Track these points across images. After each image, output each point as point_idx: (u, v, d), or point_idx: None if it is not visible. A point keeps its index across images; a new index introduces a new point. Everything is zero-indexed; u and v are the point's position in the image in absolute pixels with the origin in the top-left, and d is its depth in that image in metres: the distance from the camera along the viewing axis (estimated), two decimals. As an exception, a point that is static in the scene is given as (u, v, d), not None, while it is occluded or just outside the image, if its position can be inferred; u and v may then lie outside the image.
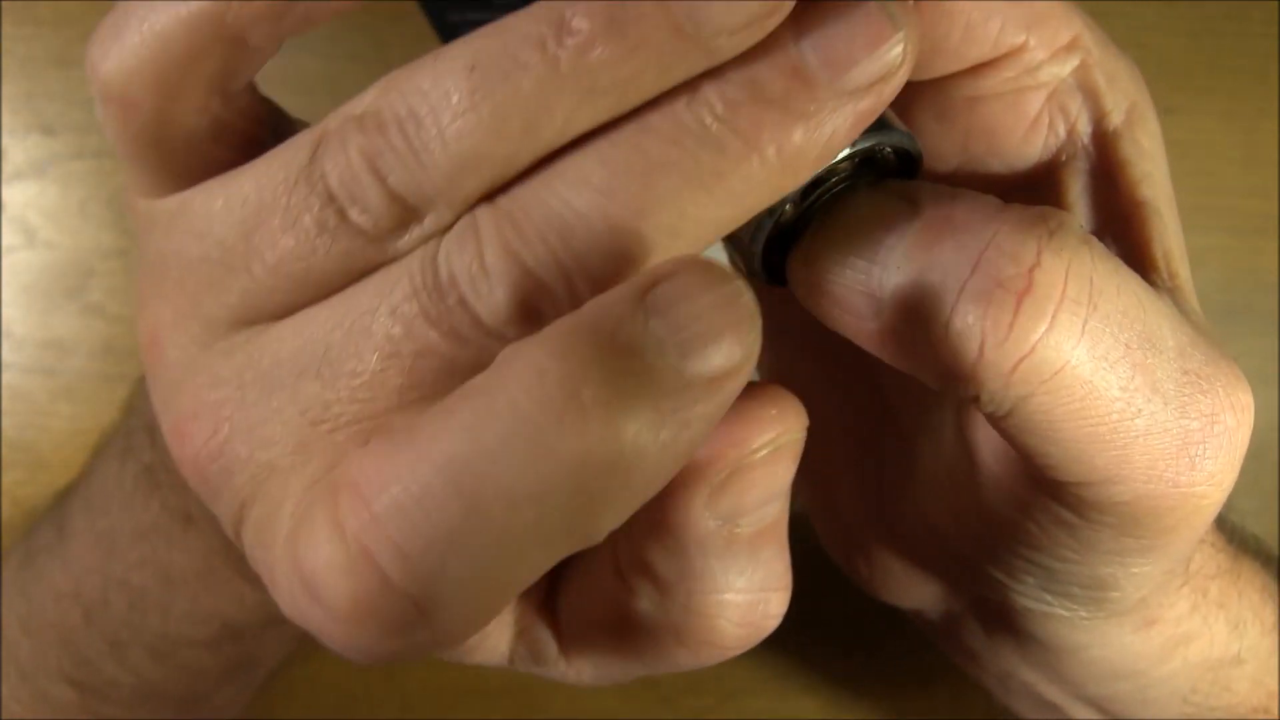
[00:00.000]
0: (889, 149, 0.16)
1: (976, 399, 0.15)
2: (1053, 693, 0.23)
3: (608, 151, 0.14)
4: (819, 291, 0.16)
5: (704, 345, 0.13)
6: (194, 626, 0.27)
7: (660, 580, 0.17)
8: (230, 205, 0.15)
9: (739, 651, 0.18)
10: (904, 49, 0.13)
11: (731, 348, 0.13)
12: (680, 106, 0.14)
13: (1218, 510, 0.17)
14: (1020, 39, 0.18)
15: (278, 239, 0.15)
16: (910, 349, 0.15)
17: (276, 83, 0.42)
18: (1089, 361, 0.14)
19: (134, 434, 0.27)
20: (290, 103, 0.42)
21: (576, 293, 0.14)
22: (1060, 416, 0.15)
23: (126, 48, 0.16)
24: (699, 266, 0.13)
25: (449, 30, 0.38)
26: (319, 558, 0.14)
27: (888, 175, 0.16)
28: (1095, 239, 0.15)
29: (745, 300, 0.13)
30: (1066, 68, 0.18)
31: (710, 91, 0.14)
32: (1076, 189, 0.19)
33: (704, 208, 0.14)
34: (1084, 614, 0.20)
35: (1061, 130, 0.19)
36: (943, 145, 0.19)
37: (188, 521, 0.26)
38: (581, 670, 0.19)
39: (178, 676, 0.28)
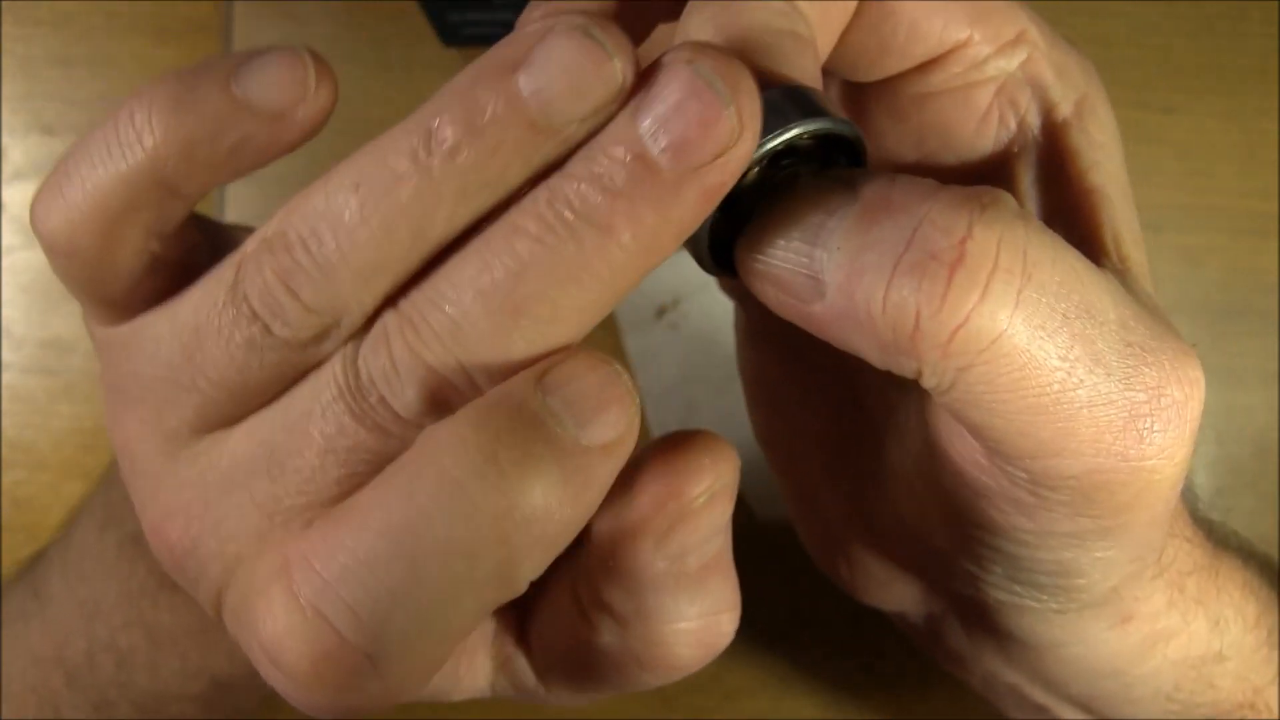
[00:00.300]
0: (831, 134, 0.16)
1: (920, 374, 0.16)
2: (1037, 693, 0.23)
3: (484, 255, 0.15)
4: (763, 277, 0.16)
5: (595, 416, 0.15)
6: (184, 682, 0.27)
7: (619, 616, 0.18)
8: (173, 331, 0.17)
9: (698, 668, 0.19)
10: (736, 124, 0.14)
11: (618, 417, 0.15)
12: (542, 205, 0.15)
13: (1174, 488, 0.17)
14: (964, 35, 0.18)
15: (216, 357, 0.17)
16: (852, 328, 0.16)
17: (276, 83, 0.42)
18: (1025, 330, 0.15)
19: (115, 505, 0.28)
20: (290, 103, 0.42)
21: (475, 384, 0.16)
22: (1001, 387, 0.15)
23: (69, 204, 0.17)
24: (583, 355, 0.15)
25: (449, 30, 0.38)
26: (278, 626, 0.16)
27: (834, 164, 0.17)
28: (1032, 215, 0.16)
29: (624, 379, 0.15)
30: (1014, 62, 0.19)
31: (567, 188, 0.15)
32: (1028, 178, 0.19)
33: (576, 296, 0.15)
34: (1055, 605, 0.20)
35: (1012, 123, 0.19)
36: (899, 143, 0.20)
37: (174, 585, 0.26)
38: (560, 695, 0.21)
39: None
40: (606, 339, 0.40)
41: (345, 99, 0.44)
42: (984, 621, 0.22)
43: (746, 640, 0.40)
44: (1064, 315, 0.15)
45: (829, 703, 0.40)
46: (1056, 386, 0.15)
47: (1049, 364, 0.15)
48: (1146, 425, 0.16)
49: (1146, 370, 0.16)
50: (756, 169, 0.16)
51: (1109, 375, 0.15)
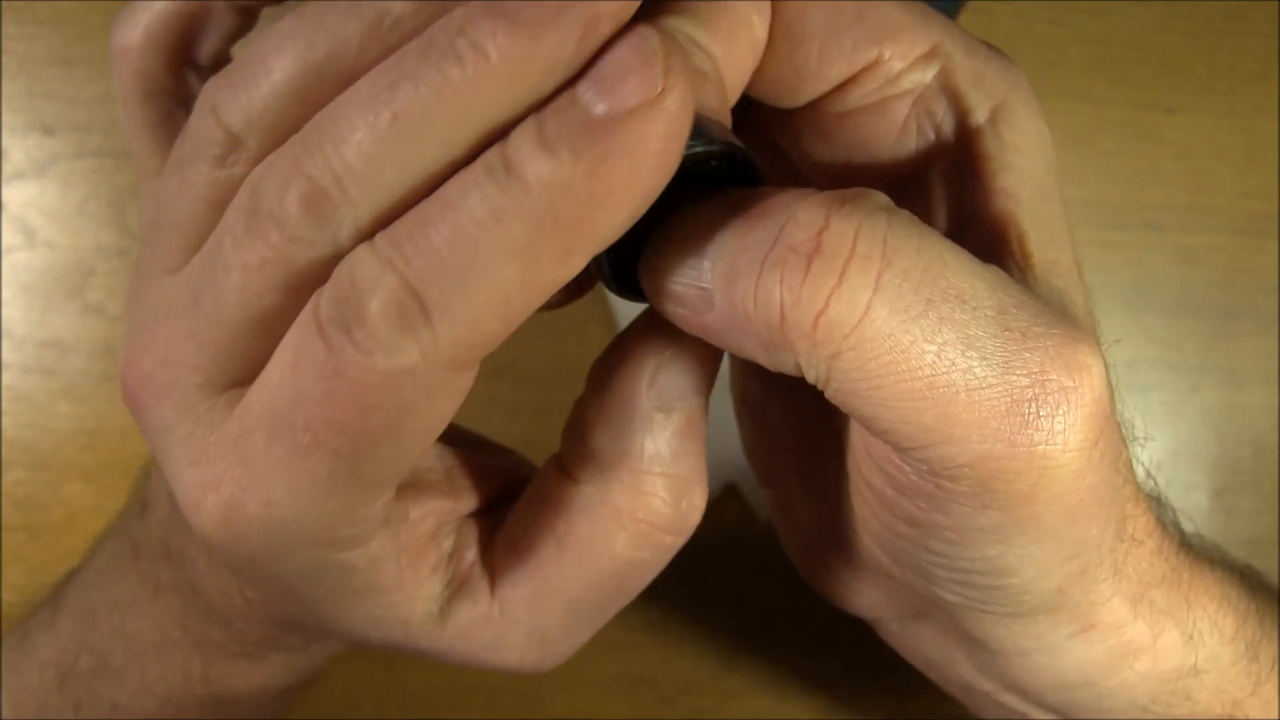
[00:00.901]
0: (724, 154, 0.17)
1: (799, 368, 0.16)
2: (1013, 701, 0.23)
3: (374, 74, 0.15)
4: (664, 294, 0.17)
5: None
6: (142, 699, 0.27)
7: (604, 462, 0.19)
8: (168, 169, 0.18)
9: (671, 541, 0.19)
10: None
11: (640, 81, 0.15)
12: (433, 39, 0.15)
13: (1080, 478, 0.17)
14: (874, 54, 0.19)
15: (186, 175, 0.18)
16: (738, 332, 0.16)
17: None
18: (887, 314, 0.15)
19: (128, 512, 0.28)
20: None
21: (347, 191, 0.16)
22: (872, 373, 0.15)
23: (136, 20, 0.20)
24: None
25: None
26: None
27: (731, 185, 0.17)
28: (898, 209, 0.16)
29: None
30: (928, 74, 0.19)
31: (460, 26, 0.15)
32: (942, 185, 0.20)
33: (445, 113, 0.15)
34: (1003, 608, 0.20)
35: (929, 132, 0.20)
36: (828, 158, 0.21)
37: (156, 591, 0.26)
38: (516, 613, 0.20)
39: None
40: (606, 338, 0.40)
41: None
42: (949, 627, 0.22)
43: (746, 640, 0.40)
44: (928, 299, 0.15)
45: (829, 703, 0.40)
46: (928, 370, 0.15)
47: (916, 348, 0.15)
48: (1031, 410, 0.16)
49: (1028, 355, 0.16)
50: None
51: (984, 360, 0.15)
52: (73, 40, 0.40)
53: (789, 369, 0.16)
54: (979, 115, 0.19)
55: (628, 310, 0.39)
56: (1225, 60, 0.41)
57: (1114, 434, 0.18)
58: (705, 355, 0.19)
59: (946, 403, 0.16)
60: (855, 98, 0.20)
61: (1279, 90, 0.41)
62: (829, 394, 0.16)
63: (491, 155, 0.15)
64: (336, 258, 0.16)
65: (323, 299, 0.16)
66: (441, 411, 0.17)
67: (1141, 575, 0.21)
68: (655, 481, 0.19)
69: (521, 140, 0.15)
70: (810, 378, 0.16)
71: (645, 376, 0.18)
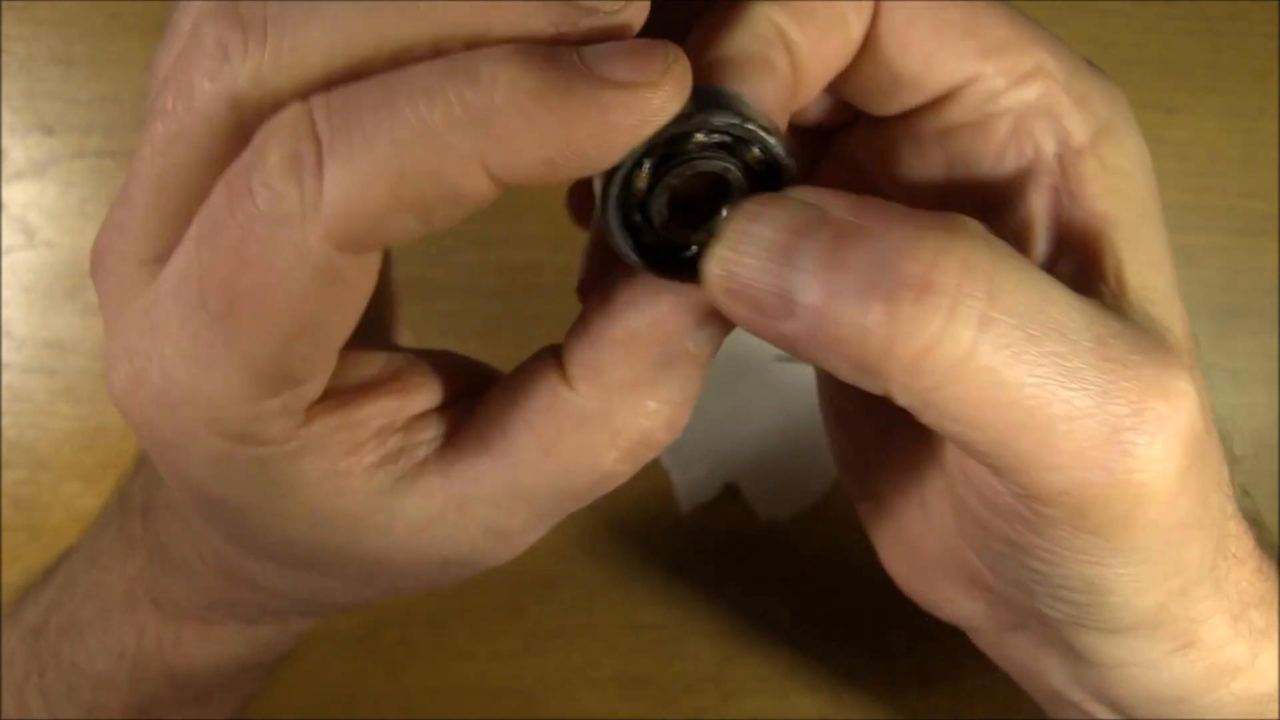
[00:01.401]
0: (755, 135, 0.17)
1: (890, 394, 0.16)
2: (1101, 712, 0.23)
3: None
4: (735, 295, 0.17)
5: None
6: (100, 659, 0.27)
7: (614, 384, 0.18)
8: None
9: (647, 458, 0.19)
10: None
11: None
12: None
13: (1175, 502, 0.17)
14: (977, 69, 0.19)
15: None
16: (823, 348, 0.16)
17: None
18: (991, 352, 0.15)
19: (127, 473, 0.28)
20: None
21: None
22: (973, 405, 0.16)
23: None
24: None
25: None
26: None
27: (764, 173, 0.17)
28: (999, 240, 0.16)
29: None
30: (1030, 93, 0.19)
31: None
32: (1038, 206, 0.19)
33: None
34: (1103, 625, 0.20)
35: (1029, 152, 0.19)
36: (922, 174, 0.20)
37: (129, 547, 0.26)
38: (475, 510, 0.19)
39: (95, 709, 0.27)
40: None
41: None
42: (1046, 639, 0.22)
43: (746, 640, 0.40)
44: (1030, 335, 0.16)
45: (830, 702, 0.40)
46: (1030, 401, 0.16)
47: (1018, 380, 0.16)
48: (1129, 439, 0.16)
49: (1126, 385, 0.16)
50: (680, 160, 0.17)
51: (1084, 390, 0.16)
52: (73, 40, 0.40)
53: (874, 390, 0.16)
54: (1081, 136, 0.19)
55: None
56: (1225, 60, 0.41)
57: (1211, 455, 0.18)
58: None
59: (1045, 432, 0.16)
60: (955, 114, 0.19)
61: (1279, 90, 0.41)
62: (923, 419, 0.16)
63: (457, 55, 0.15)
64: (245, 123, 0.16)
65: (249, 146, 0.16)
66: (331, 305, 0.16)
67: (1242, 594, 0.21)
68: (660, 410, 0.19)
69: (501, 50, 0.15)
70: (902, 403, 0.16)
71: (691, 323, 0.18)
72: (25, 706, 0.28)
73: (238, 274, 0.15)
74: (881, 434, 0.25)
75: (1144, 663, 0.21)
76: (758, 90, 0.17)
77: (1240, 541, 0.21)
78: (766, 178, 0.17)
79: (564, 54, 0.15)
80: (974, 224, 0.16)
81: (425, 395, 0.20)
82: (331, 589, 0.22)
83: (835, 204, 0.16)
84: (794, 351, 0.17)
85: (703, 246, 0.17)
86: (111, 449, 0.39)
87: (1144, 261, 0.19)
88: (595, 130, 0.15)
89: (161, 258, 0.17)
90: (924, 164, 0.20)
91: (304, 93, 0.15)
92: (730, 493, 0.40)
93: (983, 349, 0.15)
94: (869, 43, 0.19)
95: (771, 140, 0.17)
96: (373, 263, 0.16)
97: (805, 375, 0.40)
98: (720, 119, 0.16)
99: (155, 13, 0.40)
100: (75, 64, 0.40)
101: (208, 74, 0.16)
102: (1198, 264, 0.41)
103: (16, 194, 0.39)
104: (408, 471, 0.19)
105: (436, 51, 0.15)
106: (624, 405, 0.18)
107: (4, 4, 0.39)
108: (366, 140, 0.15)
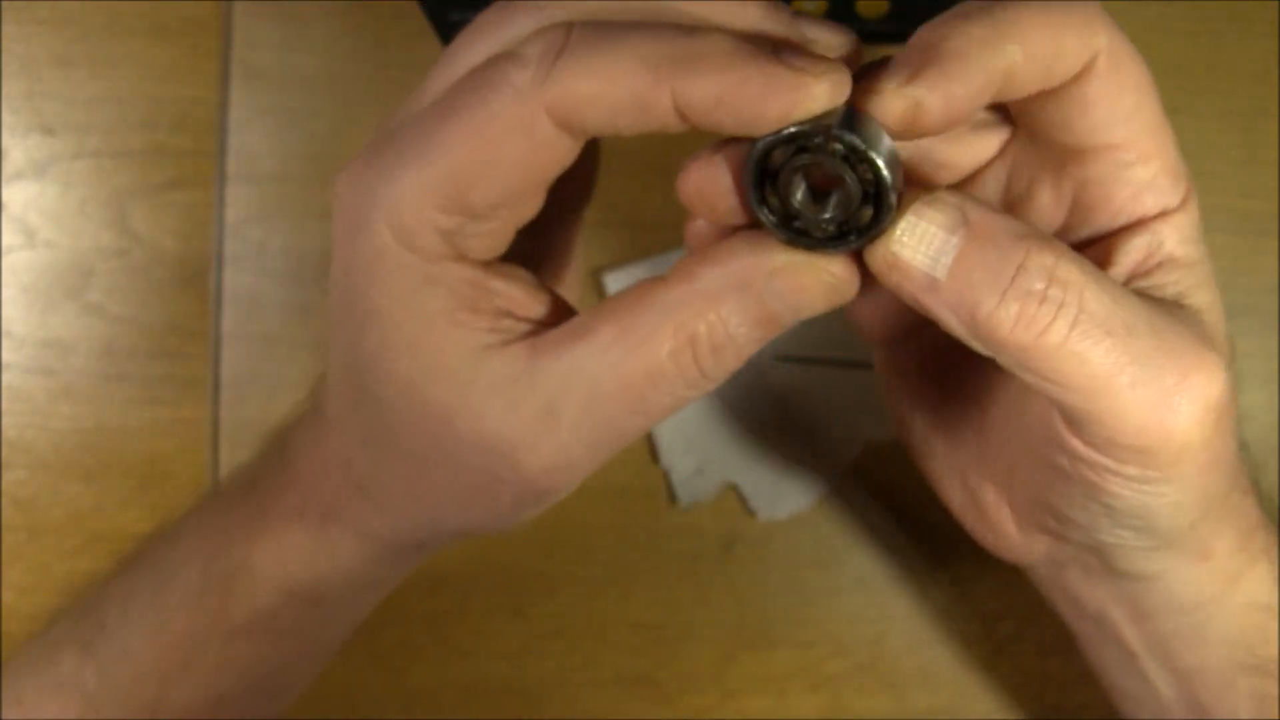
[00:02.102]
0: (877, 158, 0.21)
1: (996, 356, 0.22)
2: (1132, 635, 0.29)
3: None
4: (894, 265, 0.22)
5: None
6: (189, 555, 0.30)
7: (696, 290, 0.23)
8: None
9: (694, 376, 0.23)
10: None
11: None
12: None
13: (1209, 448, 0.23)
14: (1122, 139, 0.24)
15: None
16: (950, 317, 0.22)
17: (277, 82, 0.43)
18: (1080, 340, 0.22)
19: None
20: (290, 102, 0.42)
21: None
22: (1062, 373, 0.22)
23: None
24: None
25: (449, 30, 0.38)
26: None
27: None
28: (1081, 257, 0.22)
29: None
30: (1148, 172, 0.24)
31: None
32: (1140, 249, 0.25)
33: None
34: (1149, 543, 0.26)
35: (1137, 214, 0.25)
36: (1055, 202, 0.26)
37: (244, 478, 0.31)
38: (542, 383, 0.23)
39: (161, 622, 0.30)
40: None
41: (345, 99, 0.44)
42: (1094, 568, 0.28)
43: (746, 640, 0.40)
44: (1106, 330, 0.22)
45: (830, 702, 0.40)
46: (1105, 372, 0.22)
47: (1097, 360, 0.22)
48: (1176, 400, 0.22)
49: (1174, 362, 0.22)
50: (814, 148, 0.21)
51: (1144, 367, 0.22)
52: (73, 40, 0.40)
53: (982, 351, 0.23)
54: (1173, 203, 0.25)
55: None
56: (1225, 60, 0.41)
57: (1232, 412, 0.24)
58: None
59: (1115, 394, 0.22)
60: (1089, 170, 0.25)
61: (1279, 90, 0.41)
62: (1023, 378, 0.23)
63: (686, 26, 0.21)
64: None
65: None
66: (528, 157, 0.21)
67: (1249, 518, 0.28)
68: (716, 325, 0.22)
69: (721, 34, 0.21)
70: (1007, 366, 0.23)
71: (768, 269, 0.22)
72: (104, 624, 0.30)
73: (468, 104, 0.21)
74: (948, 406, 0.30)
75: (1172, 572, 0.27)
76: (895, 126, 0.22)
77: (1245, 480, 0.28)
78: (874, 193, 0.22)
79: (761, 42, 0.21)
80: (1068, 250, 0.22)
81: (548, 309, 0.24)
82: (403, 483, 0.26)
83: (972, 211, 0.22)
84: (923, 311, 0.22)
85: (818, 227, 0.22)
86: (111, 449, 0.39)
87: (1203, 288, 0.25)
88: (761, 90, 0.20)
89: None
90: (1055, 199, 0.26)
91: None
92: (730, 493, 0.40)
93: (1073, 338, 0.22)
94: (1068, 86, 0.23)
95: (885, 173, 0.21)
96: (563, 151, 0.21)
97: (805, 376, 0.40)
98: (850, 138, 0.21)
99: (155, 13, 0.40)
100: (75, 64, 0.40)
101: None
102: (1198, 264, 0.41)
103: (16, 194, 0.39)
104: (504, 342, 0.23)
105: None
106: (696, 305, 0.22)
107: (4, 4, 0.39)
108: (598, 51, 0.20)
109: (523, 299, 0.24)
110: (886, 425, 0.40)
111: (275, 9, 0.40)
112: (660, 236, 0.39)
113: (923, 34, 0.22)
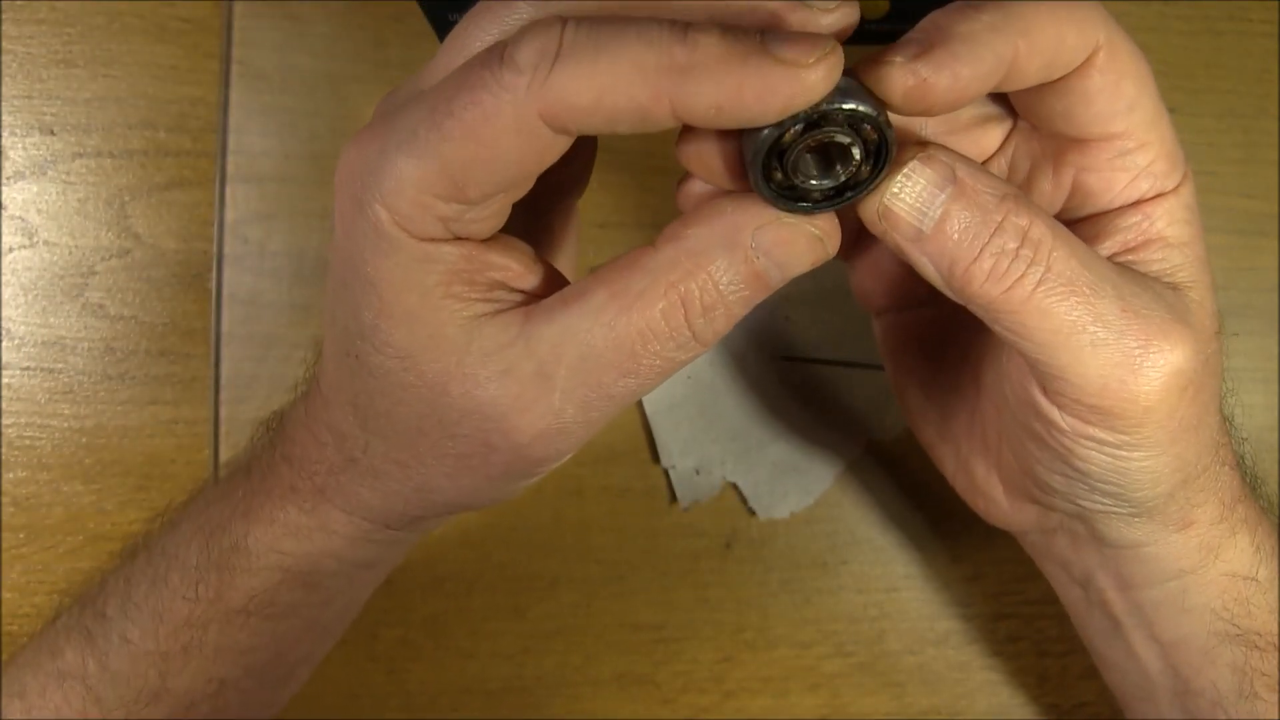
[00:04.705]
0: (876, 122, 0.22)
1: (967, 304, 0.24)
2: (1118, 603, 0.30)
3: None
4: (886, 214, 0.23)
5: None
6: (194, 546, 0.30)
7: (684, 249, 0.23)
8: None
9: (685, 337, 0.23)
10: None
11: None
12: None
13: (1174, 414, 0.24)
14: (1121, 128, 0.25)
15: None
16: (930, 267, 0.23)
17: (277, 82, 0.43)
18: (1046, 297, 0.23)
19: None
20: (290, 102, 0.42)
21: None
22: (1029, 326, 0.23)
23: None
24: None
25: (449, 30, 0.38)
26: None
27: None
28: (1056, 223, 0.23)
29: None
30: (1145, 158, 0.25)
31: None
32: (1133, 228, 0.26)
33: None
34: (1129, 510, 0.27)
35: (1133, 195, 0.26)
36: (1056, 187, 0.27)
37: (238, 474, 0.31)
38: (535, 347, 0.23)
39: (160, 607, 0.30)
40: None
41: (345, 99, 0.44)
42: (1081, 535, 0.30)
43: (746, 640, 0.40)
44: (1073, 290, 0.23)
45: (830, 702, 0.40)
46: (1068, 329, 0.23)
47: (1060, 316, 0.23)
48: (1138, 363, 0.23)
49: (1138, 326, 0.23)
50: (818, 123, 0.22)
51: (1107, 328, 0.23)
52: (73, 40, 0.40)
53: (955, 299, 0.24)
54: (1169, 186, 0.25)
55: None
56: (1225, 60, 0.41)
57: (1207, 383, 0.25)
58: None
59: (1077, 351, 0.23)
60: (1089, 157, 0.25)
61: (1279, 90, 0.41)
62: (992, 328, 0.24)
63: (678, 23, 0.21)
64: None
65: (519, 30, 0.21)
66: (513, 156, 0.21)
67: (1231, 490, 0.29)
68: (707, 284, 0.23)
69: (708, 28, 0.21)
70: (976, 313, 0.24)
71: (753, 226, 0.23)
72: (104, 613, 0.31)
73: (465, 105, 0.21)
74: (944, 386, 0.31)
75: (1155, 540, 0.28)
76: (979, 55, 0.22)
77: (1228, 452, 0.28)
78: (876, 150, 0.22)
79: (750, 34, 0.20)
80: (1042, 212, 0.23)
81: (544, 281, 0.25)
82: (394, 452, 0.26)
83: (961, 169, 0.23)
84: (907, 259, 0.24)
85: (818, 191, 0.23)
86: (111, 449, 0.39)
87: (1188, 265, 0.26)
88: (759, 92, 0.20)
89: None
90: (1054, 187, 0.26)
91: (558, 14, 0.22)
92: (730, 493, 0.40)
93: (1038, 294, 0.23)
94: (1070, 79, 0.24)
95: (889, 131, 0.22)
96: (557, 147, 0.22)
97: (806, 376, 0.40)
98: (852, 107, 0.21)
99: (155, 13, 0.40)
100: (75, 64, 0.40)
101: None
102: (1198, 264, 0.41)
103: (16, 194, 0.39)
104: (498, 310, 0.24)
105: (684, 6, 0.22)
106: (686, 266, 0.23)
107: (4, 4, 0.39)
108: (594, 57, 0.20)
109: (519, 270, 0.24)
110: (886, 426, 0.40)
111: (275, 9, 0.40)
112: (660, 236, 0.39)
113: (933, 17, 0.22)
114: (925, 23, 0.22)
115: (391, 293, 0.23)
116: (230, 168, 0.39)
